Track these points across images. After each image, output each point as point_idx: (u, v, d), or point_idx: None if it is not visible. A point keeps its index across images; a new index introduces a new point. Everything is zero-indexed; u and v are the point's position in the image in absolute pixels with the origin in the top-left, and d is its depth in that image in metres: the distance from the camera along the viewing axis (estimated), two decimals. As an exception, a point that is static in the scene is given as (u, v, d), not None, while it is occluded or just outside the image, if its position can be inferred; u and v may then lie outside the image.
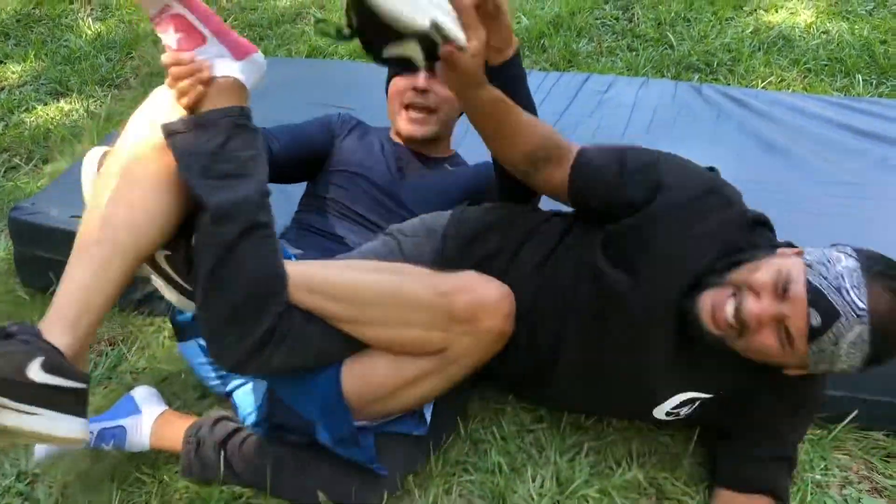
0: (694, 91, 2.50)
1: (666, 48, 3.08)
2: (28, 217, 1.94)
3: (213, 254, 1.20)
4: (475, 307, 1.24)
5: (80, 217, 1.22)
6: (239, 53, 1.28)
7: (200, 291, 1.23)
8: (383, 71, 1.75)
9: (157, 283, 1.31)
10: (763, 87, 2.75)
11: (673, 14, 3.29)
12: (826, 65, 2.87)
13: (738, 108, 2.39)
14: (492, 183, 1.57)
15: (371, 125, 1.84)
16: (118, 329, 1.87)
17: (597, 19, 3.33)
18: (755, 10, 3.30)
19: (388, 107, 1.76)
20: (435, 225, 1.48)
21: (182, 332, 1.52)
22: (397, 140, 1.77)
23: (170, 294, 1.32)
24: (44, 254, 1.94)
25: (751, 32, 3.12)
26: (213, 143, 1.22)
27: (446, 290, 1.25)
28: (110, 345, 1.83)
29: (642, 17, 3.32)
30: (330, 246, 1.57)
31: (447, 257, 1.41)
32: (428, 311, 1.24)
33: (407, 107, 1.69)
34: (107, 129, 2.73)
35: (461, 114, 1.76)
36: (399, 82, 1.71)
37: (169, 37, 1.25)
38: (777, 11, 3.26)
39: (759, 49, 3.00)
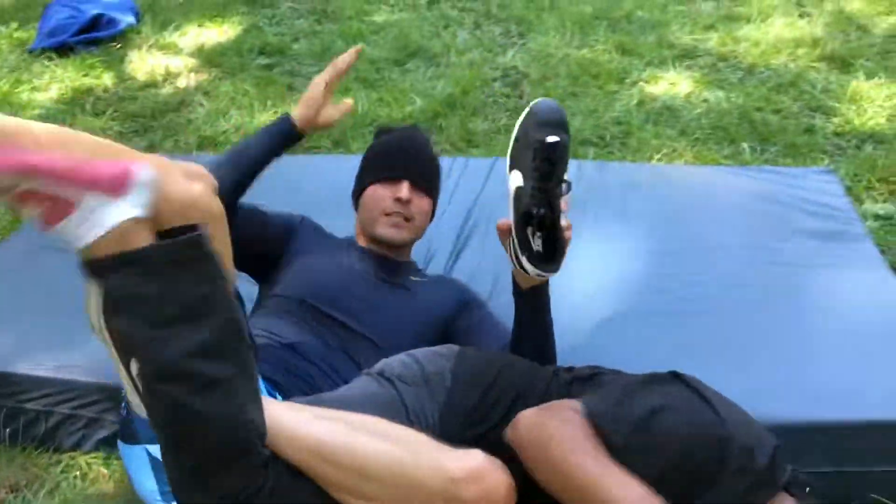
0: (596, 168, 2.58)
1: (559, 123, 3.15)
2: None
3: (163, 411, 1.07)
4: (484, 499, 1.16)
5: None
6: (119, 189, 1.03)
7: (160, 440, 1.10)
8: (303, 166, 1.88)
9: (126, 384, 1.13)
10: (658, 160, 2.85)
11: (560, 90, 3.39)
12: (711, 133, 3.00)
13: (641, 182, 2.47)
14: (463, 312, 1.68)
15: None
16: (20, 472, 1.68)
17: (488, 97, 3.38)
18: (636, 82, 3.44)
19: (361, 212, 1.78)
20: (435, 372, 1.41)
21: (132, 434, 1.36)
22: (362, 244, 1.78)
23: (134, 399, 1.15)
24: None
25: (636, 104, 3.24)
26: (152, 285, 1.04)
27: (456, 476, 1.15)
28: (12, 492, 1.64)
29: (531, 93, 3.39)
30: (286, 357, 1.50)
31: (453, 413, 1.35)
32: (435, 496, 1.15)
33: (387, 213, 1.72)
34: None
35: (430, 221, 1.85)
36: (379, 190, 1.73)
37: (32, 215, 1.02)
38: (657, 83, 3.41)
39: (648, 121, 3.12)
